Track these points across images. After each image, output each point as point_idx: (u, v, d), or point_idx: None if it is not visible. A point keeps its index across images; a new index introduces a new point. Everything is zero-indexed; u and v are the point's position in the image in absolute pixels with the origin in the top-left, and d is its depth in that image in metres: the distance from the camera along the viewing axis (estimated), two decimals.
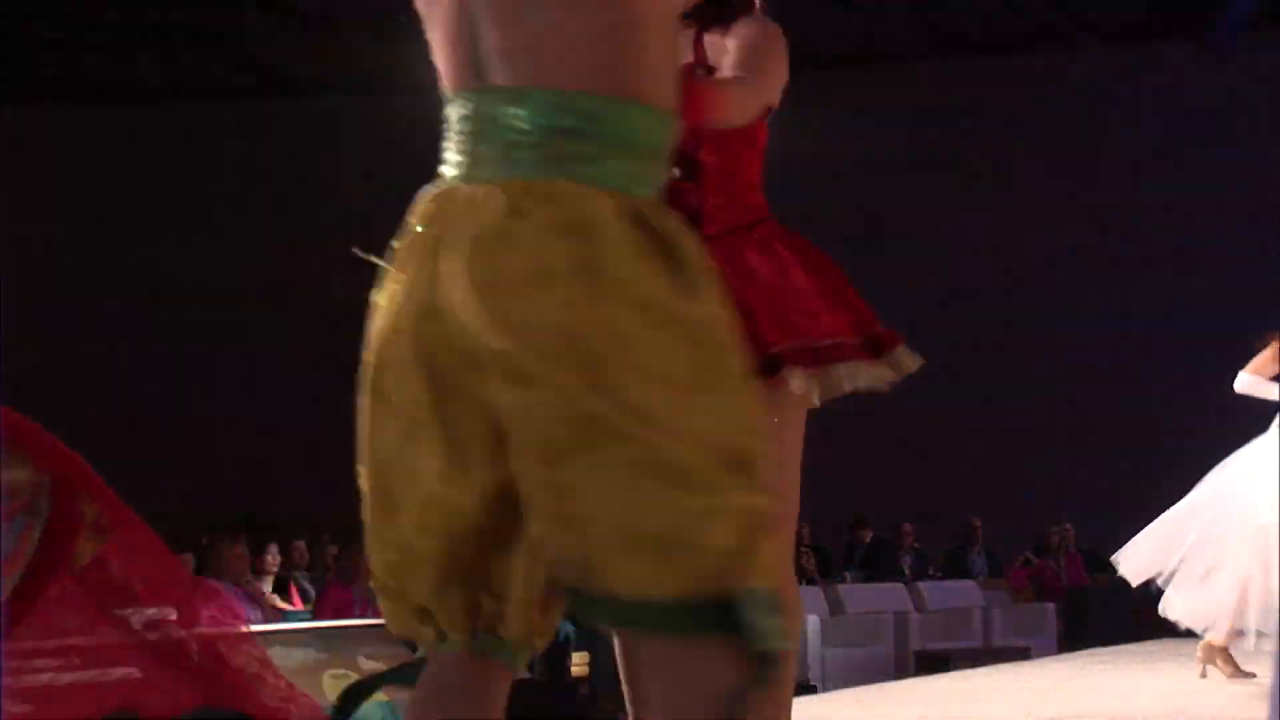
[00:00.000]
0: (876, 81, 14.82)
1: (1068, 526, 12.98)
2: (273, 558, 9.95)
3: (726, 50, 3.33)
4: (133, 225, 15.58)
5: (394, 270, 1.85)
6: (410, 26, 1.92)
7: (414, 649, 1.92)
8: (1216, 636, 6.36)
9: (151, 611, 3.07)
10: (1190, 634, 6.70)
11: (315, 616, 8.87)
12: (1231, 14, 11.99)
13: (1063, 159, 14.59)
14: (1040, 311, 14.26)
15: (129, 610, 3.12)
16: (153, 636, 3.09)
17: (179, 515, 14.30)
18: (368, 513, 1.97)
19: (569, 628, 9.78)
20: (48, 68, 15.15)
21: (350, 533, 9.89)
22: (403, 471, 1.90)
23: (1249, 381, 6.55)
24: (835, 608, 10.79)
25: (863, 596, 11.20)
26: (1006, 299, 14.46)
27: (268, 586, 9.65)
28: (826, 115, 13.30)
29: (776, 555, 1.70)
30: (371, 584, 1.96)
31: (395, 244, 1.86)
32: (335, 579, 9.32)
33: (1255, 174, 13.17)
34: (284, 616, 8.94)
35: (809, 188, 12.03)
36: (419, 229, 1.82)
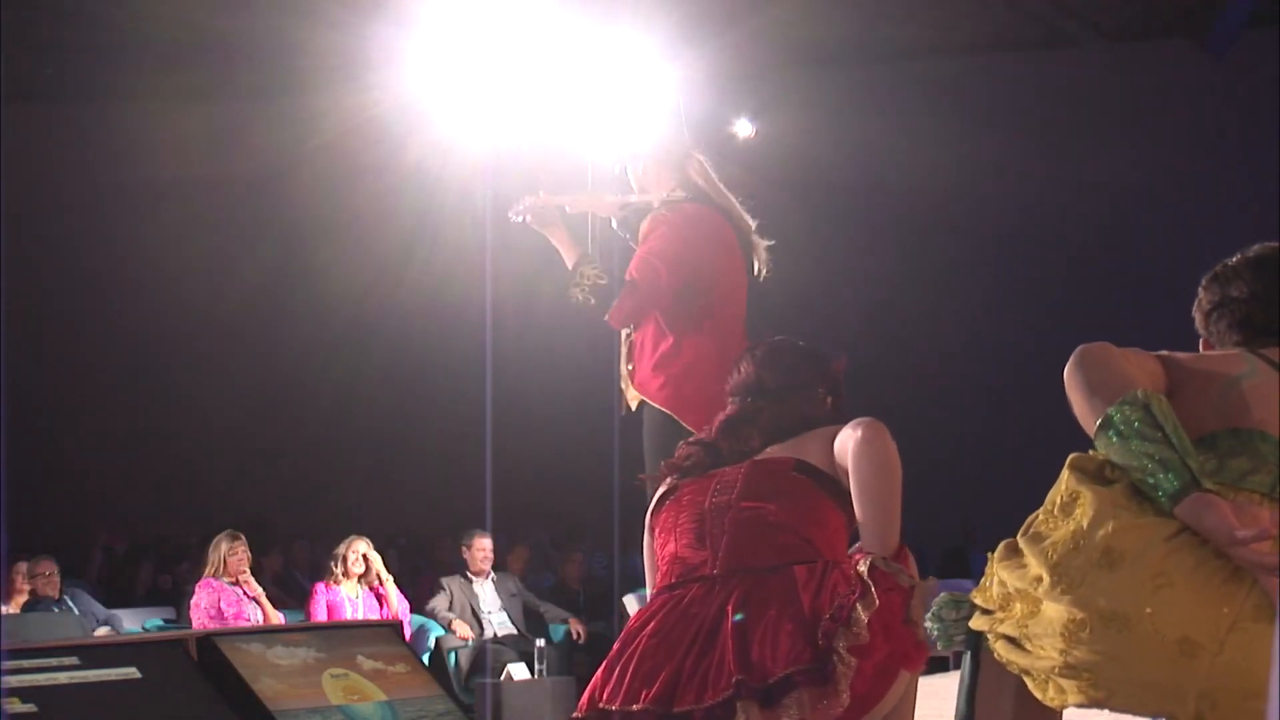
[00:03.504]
0: (876, 81, 14.82)
1: None
2: (272, 558, 9.97)
3: None
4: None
5: None
6: None
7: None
8: None
9: None
10: None
11: (307, 617, 8.87)
12: (1231, 14, 11.98)
13: (1061, 159, 14.59)
14: (1043, 309, 14.26)
15: None
16: None
17: (176, 518, 14.33)
18: None
19: (567, 627, 9.78)
20: None
21: (338, 534, 9.91)
22: None
23: None
24: None
25: None
26: (1007, 296, 14.46)
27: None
28: (822, 113, 13.31)
29: None
30: None
31: None
32: (322, 580, 9.32)
33: (1255, 172, 13.16)
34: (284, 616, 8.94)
35: (809, 186, 12.03)
36: None
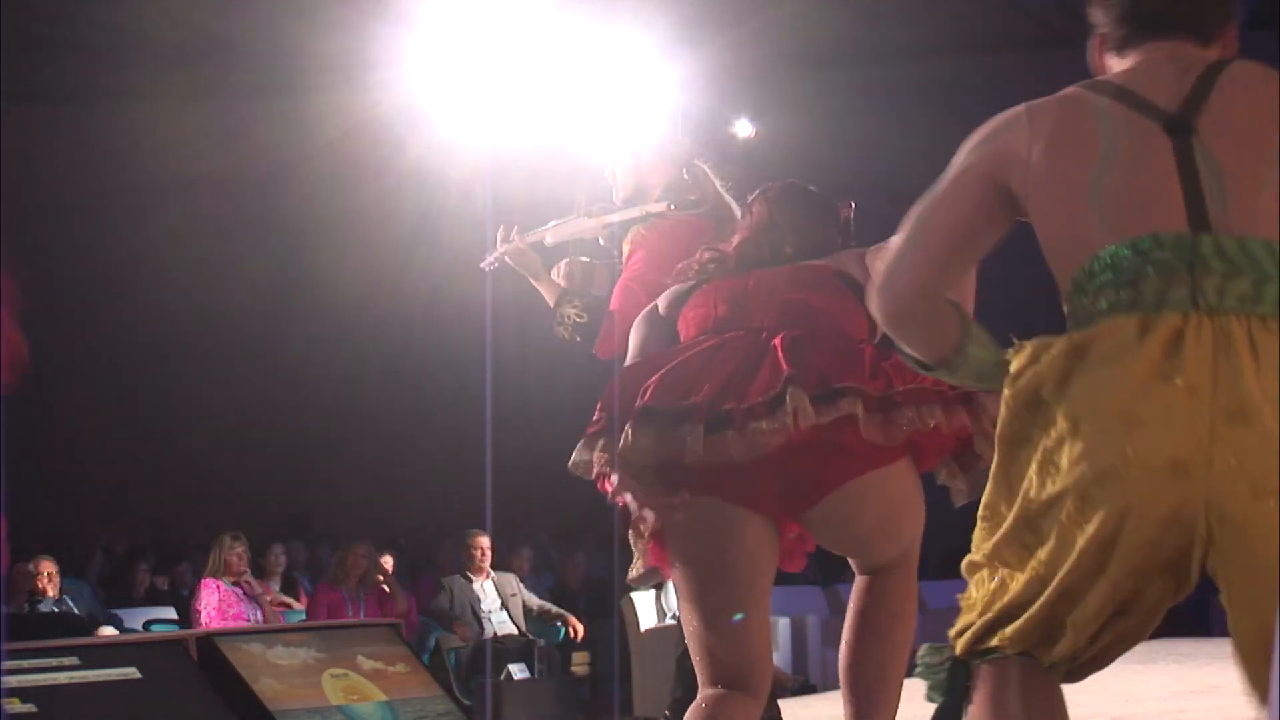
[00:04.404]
0: (876, 81, 14.82)
1: None
2: (274, 558, 9.96)
3: None
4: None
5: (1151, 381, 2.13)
6: None
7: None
8: None
9: None
10: (1189, 634, 6.68)
11: (308, 617, 8.88)
12: None
13: None
14: (1044, 309, 14.27)
15: None
16: None
17: (179, 518, 14.33)
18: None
19: (566, 627, 9.79)
20: None
21: (342, 535, 9.92)
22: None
23: None
24: (835, 608, 10.80)
25: None
26: (1007, 295, 14.47)
27: (275, 585, 9.67)
28: (822, 113, 13.32)
29: None
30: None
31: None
32: (326, 580, 9.33)
33: None
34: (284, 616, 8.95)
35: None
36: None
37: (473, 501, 10.50)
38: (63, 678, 4.77)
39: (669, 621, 8.75)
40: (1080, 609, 2.19)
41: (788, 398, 2.98)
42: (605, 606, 10.35)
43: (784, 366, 3.04)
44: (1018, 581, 2.24)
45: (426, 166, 11.88)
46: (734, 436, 3.00)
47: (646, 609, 9.26)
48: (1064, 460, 2.19)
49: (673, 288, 3.51)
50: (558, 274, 4.66)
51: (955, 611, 2.34)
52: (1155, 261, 2.22)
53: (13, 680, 4.58)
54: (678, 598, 3.29)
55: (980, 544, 2.30)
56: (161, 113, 15.44)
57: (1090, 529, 2.16)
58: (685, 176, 4.60)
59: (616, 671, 8.95)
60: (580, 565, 11.57)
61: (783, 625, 10.29)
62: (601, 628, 9.92)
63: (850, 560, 3.44)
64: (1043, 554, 2.21)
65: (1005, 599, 2.25)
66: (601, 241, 4.71)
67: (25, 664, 4.71)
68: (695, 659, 3.20)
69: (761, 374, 3.06)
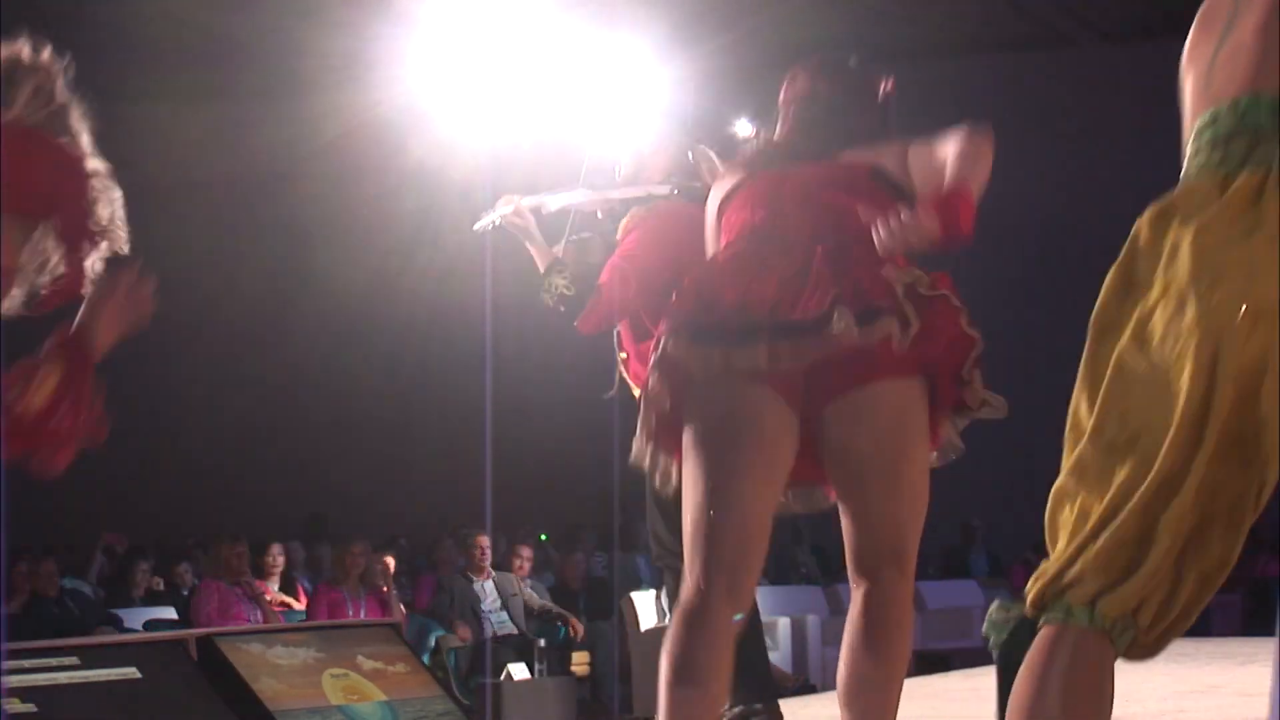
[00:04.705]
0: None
1: None
2: (274, 558, 9.97)
3: None
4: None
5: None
6: None
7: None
8: None
9: None
10: (1189, 634, 6.66)
11: (309, 617, 8.89)
12: None
13: (1062, 159, 14.59)
14: (1043, 309, 14.27)
15: None
16: None
17: (179, 519, 14.32)
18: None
19: (566, 628, 9.79)
20: None
21: (343, 535, 9.91)
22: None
23: None
24: (835, 608, 10.80)
25: None
26: (1006, 295, 14.46)
27: (274, 585, 9.67)
28: None
29: None
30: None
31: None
32: (326, 580, 9.33)
33: None
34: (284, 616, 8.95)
35: None
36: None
37: (473, 501, 10.51)
38: (62, 678, 4.77)
39: (669, 622, 8.75)
40: (1179, 500, 2.12)
41: (835, 316, 3.13)
42: (605, 606, 10.36)
43: (829, 284, 3.18)
44: (1101, 504, 2.17)
45: (426, 166, 11.88)
46: (784, 348, 3.17)
47: (646, 609, 9.26)
48: (1157, 327, 2.18)
49: (716, 190, 3.58)
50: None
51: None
52: (1250, 122, 2.23)
53: (13, 680, 4.58)
54: (682, 479, 3.31)
55: (1064, 464, 2.26)
56: (162, 113, 15.43)
57: (1184, 393, 2.12)
58: (690, 158, 4.58)
59: (616, 671, 8.95)
60: (580, 565, 11.56)
61: (783, 625, 10.29)
62: (601, 628, 9.92)
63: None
64: (1140, 448, 2.16)
65: (1089, 525, 2.17)
66: (599, 215, 4.70)
67: (25, 664, 4.71)
68: (688, 540, 3.23)
69: (806, 289, 3.19)
